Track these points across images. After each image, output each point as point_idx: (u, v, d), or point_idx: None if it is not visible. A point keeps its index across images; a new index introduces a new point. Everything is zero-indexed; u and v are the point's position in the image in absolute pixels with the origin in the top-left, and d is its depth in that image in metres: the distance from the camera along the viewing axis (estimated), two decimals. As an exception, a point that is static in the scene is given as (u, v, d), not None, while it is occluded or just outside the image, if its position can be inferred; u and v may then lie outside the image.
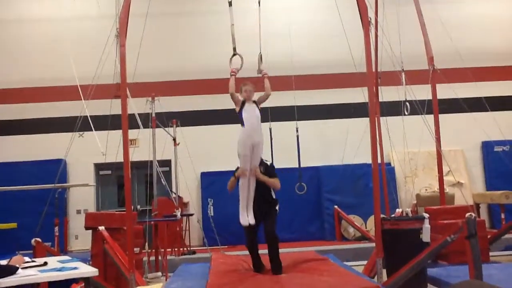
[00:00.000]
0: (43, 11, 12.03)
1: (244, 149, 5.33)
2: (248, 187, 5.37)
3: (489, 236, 7.88)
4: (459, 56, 9.08)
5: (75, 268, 4.00)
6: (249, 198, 5.39)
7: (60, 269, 3.91)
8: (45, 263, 4.10)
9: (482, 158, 12.19)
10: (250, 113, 5.43)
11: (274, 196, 5.56)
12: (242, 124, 5.44)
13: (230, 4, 5.97)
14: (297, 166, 9.90)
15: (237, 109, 5.55)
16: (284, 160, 10.13)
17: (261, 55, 5.98)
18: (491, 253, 7.67)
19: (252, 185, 5.39)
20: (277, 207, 5.54)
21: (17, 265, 3.78)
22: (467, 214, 4.91)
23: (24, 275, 3.67)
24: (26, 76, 11.66)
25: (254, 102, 5.58)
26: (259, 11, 5.99)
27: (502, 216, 10.17)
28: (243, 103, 5.54)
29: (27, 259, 4.20)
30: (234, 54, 5.83)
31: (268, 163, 5.65)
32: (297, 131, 9.59)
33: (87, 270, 4.04)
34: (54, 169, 8.68)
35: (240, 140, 5.37)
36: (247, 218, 5.35)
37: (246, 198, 5.41)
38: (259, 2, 6.19)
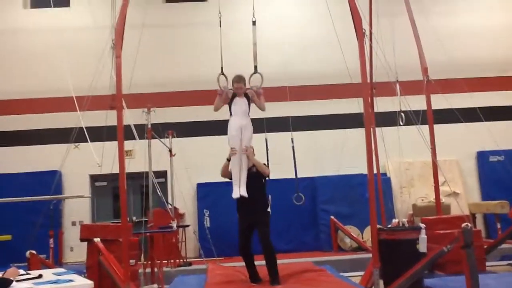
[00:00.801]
0: (38, 21, 12.02)
1: (232, 130, 5.66)
2: (240, 164, 5.56)
3: (485, 246, 7.87)
4: (453, 66, 9.16)
5: (70, 280, 3.95)
6: (241, 174, 5.53)
7: (55, 282, 3.87)
8: (40, 276, 4.06)
9: (477, 168, 12.22)
10: (239, 105, 5.74)
11: (268, 203, 5.56)
12: (230, 114, 5.76)
13: (220, 24, 6.01)
14: (292, 176, 9.87)
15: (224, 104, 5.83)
16: (279, 171, 10.13)
17: (261, 74, 6.00)
18: (487, 263, 7.66)
19: (244, 163, 5.58)
20: (268, 209, 5.57)
21: (12, 278, 3.74)
22: (463, 224, 4.92)
23: (18, 288, 3.63)
24: (22, 87, 11.64)
25: (246, 95, 5.67)
26: (254, 31, 6.02)
27: (498, 226, 10.18)
28: (233, 97, 5.69)
29: (21, 271, 4.16)
30: (220, 74, 5.94)
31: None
32: (292, 142, 9.59)
33: (82, 282, 4.00)
34: (49, 181, 8.65)
35: (229, 125, 5.71)
36: (238, 190, 5.48)
37: (238, 174, 5.55)
38: (253, 22, 6.24)
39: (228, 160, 5.71)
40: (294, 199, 9.64)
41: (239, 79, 5.73)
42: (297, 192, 9.69)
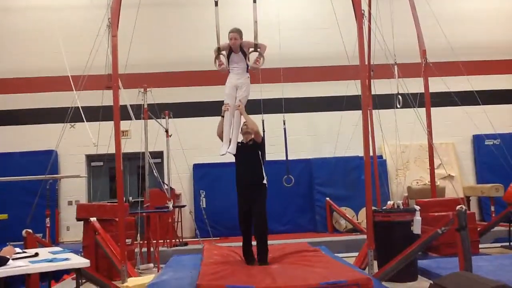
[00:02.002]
0: (34, 0, 11.87)
1: (227, 89, 5.75)
2: (232, 122, 5.65)
3: (479, 229, 7.96)
4: (452, 49, 9.11)
5: (67, 259, 3.98)
6: (233, 132, 5.62)
7: (51, 260, 3.90)
8: (36, 254, 4.09)
9: (473, 151, 12.27)
10: (235, 62, 5.73)
11: (264, 175, 5.57)
12: (228, 72, 5.79)
13: (216, 4, 5.94)
14: (289, 158, 9.90)
15: (222, 63, 5.76)
16: (275, 153, 10.16)
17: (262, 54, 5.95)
18: (480, 245, 7.76)
19: (236, 121, 5.67)
20: (264, 181, 5.57)
21: (8, 256, 3.76)
22: (458, 207, 4.95)
23: (14, 266, 3.65)
24: (17, 66, 11.54)
25: (241, 50, 5.64)
26: (254, 8, 5.94)
27: (492, 208, 10.27)
28: (230, 53, 5.65)
29: (18, 250, 4.18)
30: (219, 53, 5.84)
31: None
32: (284, 123, 9.59)
33: (78, 261, 4.03)
34: (45, 160, 8.62)
35: (227, 82, 5.77)
36: (226, 147, 5.59)
37: (229, 131, 5.64)
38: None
39: (222, 116, 5.72)
40: (284, 181, 9.67)
41: (235, 29, 5.66)
42: (287, 174, 9.71)
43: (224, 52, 5.83)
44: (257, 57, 5.78)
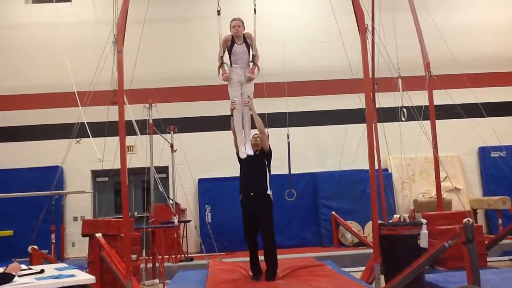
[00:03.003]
0: (40, 16, 12.01)
1: (232, 85, 5.66)
2: (242, 120, 5.59)
3: (486, 242, 7.89)
4: (455, 62, 9.13)
5: (72, 275, 3.97)
6: (245, 131, 5.57)
7: (57, 277, 3.89)
8: (42, 271, 4.08)
9: (479, 163, 12.20)
10: (238, 55, 5.65)
11: (268, 186, 5.53)
12: (230, 65, 5.68)
13: (218, 13, 5.98)
14: (293, 172, 9.89)
15: (224, 47, 5.68)
16: (279, 167, 10.13)
17: (257, 55, 5.96)
18: (488, 259, 7.67)
19: (246, 119, 5.62)
20: (268, 192, 5.53)
21: (14, 273, 3.76)
22: (465, 220, 4.91)
23: (20, 283, 3.65)
24: (23, 82, 11.65)
25: (244, 40, 5.62)
26: (254, 19, 6.00)
27: (499, 221, 10.19)
28: (232, 41, 5.60)
29: (23, 266, 4.18)
30: (222, 63, 5.80)
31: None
32: (288, 137, 9.59)
33: (84, 277, 4.02)
34: (51, 176, 8.66)
35: (230, 78, 5.65)
36: (244, 150, 5.50)
37: (242, 131, 5.58)
38: (254, 10, 6.20)
39: (231, 115, 5.66)
40: (286, 195, 9.64)
41: (237, 18, 5.63)
42: (289, 188, 9.69)
43: (227, 63, 5.78)
44: (252, 67, 5.76)
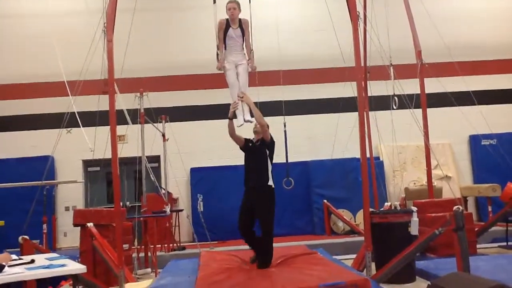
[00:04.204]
0: (29, 5, 11.85)
1: (228, 66, 5.70)
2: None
3: (476, 229, 7.97)
4: (447, 50, 9.13)
5: (63, 265, 3.96)
6: (244, 105, 5.60)
7: (47, 267, 3.88)
8: (33, 261, 4.06)
9: (470, 151, 12.30)
10: (233, 39, 5.66)
11: (270, 177, 5.49)
12: (225, 47, 5.70)
13: (214, 1, 5.94)
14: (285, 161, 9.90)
15: (221, 33, 5.66)
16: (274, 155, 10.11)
17: (252, 50, 5.96)
18: (478, 246, 7.76)
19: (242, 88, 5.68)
20: (270, 183, 5.47)
21: (4, 263, 3.74)
22: (455, 207, 4.95)
23: (10, 273, 3.63)
24: (12, 72, 11.52)
25: (240, 25, 5.62)
26: (250, 8, 5.96)
27: (489, 209, 10.29)
28: (227, 25, 5.60)
29: (14, 256, 4.16)
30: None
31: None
32: (284, 126, 9.57)
33: (75, 267, 4.01)
34: (42, 166, 8.58)
35: (225, 60, 5.70)
36: (242, 117, 5.60)
37: (241, 104, 5.62)
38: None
39: (230, 119, 5.60)
40: (284, 184, 9.66)
41: (233, 1, 5.60)
42: (287, 176, 9.70)
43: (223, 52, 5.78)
44: (249, 59, 5.79)
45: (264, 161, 5.51)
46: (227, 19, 5.66)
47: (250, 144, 5.67)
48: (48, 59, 10.32)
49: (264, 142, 5.57)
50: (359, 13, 6.36)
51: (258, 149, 5.58)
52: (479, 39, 12.31)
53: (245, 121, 5.57)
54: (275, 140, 5.69)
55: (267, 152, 5.57)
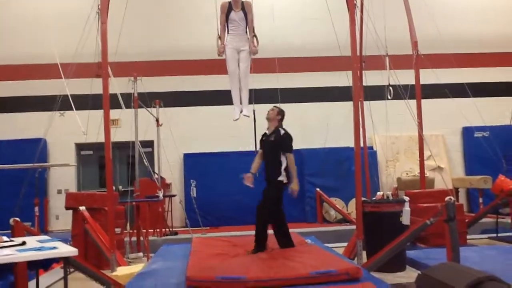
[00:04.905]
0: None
1: (229, 53, 5.67)
2: (238, 85, 5.75)
3: (467, 220, 8.04)
4: (443, 42, 9.12)
5: (54, 247, 3.95)
6: (242, 94, 5.72)
7: (38, 249, 3.87)
8: (24, 243, 4.05)
9: (463, 143, 12.36)
10: (236, 22, 5.62)
11: (281, 172, 5.48)
12: (228, 31, 5.66)
13: None
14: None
15: (223, 16, 5.62)
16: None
17: (255, 34, 5.93)
18: (468, 236, 7.83)
19: (244, 83, 5.80)
20: (280, 178, 5.48)
21: (-5, 245, 3.73)
22: (447, 198, 4.97)
23: (1, 254, 3.62)
24: (5, 53, 11.37)
25: (242, 8, 5.58)
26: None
27: (480, 200, 10.37)
28: (230, 8, 5.56)
29: (5, 238, 4.15)
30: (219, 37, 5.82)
31: (282, 131, 5.57)
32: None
33: (66, 250, 4.01)
34: (34, 149, 8.53)
35: (227, 45, 5.66)
36: (237, 111, 5.75)
37: (238, 94, 5.74)
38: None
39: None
40: None
41: None
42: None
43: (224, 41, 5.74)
44: (252, 40, 5.77)
45: (276, 157, 5.48)
46: (229, 2, 5.61)
47: (264, 138, 5.66)
48: (42, 40, 10.22)
49: (277, 140, 5.52)
50: (356, 1, 6.32)
51: (271, 144, 5.57)
52: (475, 32, 12.30)
53: (242, 115, 5.54)
54: (266, 128, 5.68)
55: (282, 147, 5.50)
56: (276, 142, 5.50)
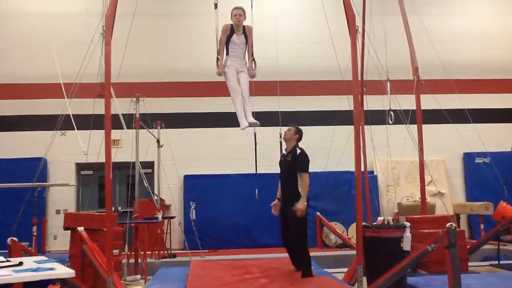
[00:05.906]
0: (27, 5, 11.83)
1: (230, 73, 5.69)
2: (241, 100, 5.73)
3: (468, 246, 7.96)
4: (444, 67, 9.18)
5: (51, 268, 3.91)
6: (245, 106, 5.68)
7: (35, 270, 3.82)
8: (21, 263, 4.01)
9: (463, 169, 12.33)
10: (237, 46, 5.67)
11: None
12: (227, 53, 5.68)
13: (215, 6, 5.96)
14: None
15: (224, 38, 5.65)
16: (267, 166, 10.11)
17: (254, 58, 5.98)
18: (470, 263, 7.74)
19: (246, 96, 5.75)
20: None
21: (-9, 265, 3.69)
22: (448, 224, 4.93)
23: (-3, 275, 3.58)
24: (8, 72, 11.46)
25: (244, 32, 5.60)
26: (251, 15, 5.98)
27: (481, 226, 10.30)
28: (232, 31, 5.58)
29: (1, 258, 4.11)
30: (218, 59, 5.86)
31: (298, 151, 5.58)
32: (280, 136, 9.55)
33: (63, 271, 3.96)
34: (34, 168, 8.49)
35: (227, 66, 5.69)
36: (245, 121, 5.68)
37: (241, 108, 5.67)
38: (251, 5, 6.19)
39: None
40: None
41: (239, 7, 5.61)
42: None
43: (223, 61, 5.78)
44: (250, 63, 5.81)
45: (293, 176, 5.50)
46: (231, 25, 5.67)
47: (282, 158, 5.66)
48: (45, 60, 10.30)
49: (293, 160, 5.53)
50: (357, 27, 6.38)
51: (288, 164, 5.58)
52: (476, 58, 12.41)
53: (250, 124, 5.57)
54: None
55: (298, 166, 5.51)
56: (292, 162, 5.52)
